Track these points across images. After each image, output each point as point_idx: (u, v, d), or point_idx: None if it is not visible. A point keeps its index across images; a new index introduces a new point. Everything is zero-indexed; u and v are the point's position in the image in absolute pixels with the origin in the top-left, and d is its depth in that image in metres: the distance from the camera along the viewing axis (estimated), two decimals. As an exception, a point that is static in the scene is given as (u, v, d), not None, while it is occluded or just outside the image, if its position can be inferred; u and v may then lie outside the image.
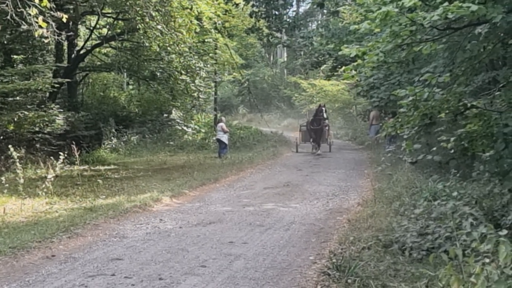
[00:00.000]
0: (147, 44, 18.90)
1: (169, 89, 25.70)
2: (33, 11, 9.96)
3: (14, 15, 10.33)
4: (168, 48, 18.11)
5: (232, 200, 13.68)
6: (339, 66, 30.42)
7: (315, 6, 31.06)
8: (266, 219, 11.19)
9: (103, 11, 22.43)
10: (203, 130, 33.71)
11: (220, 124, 25.20)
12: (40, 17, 9.97)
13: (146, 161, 24.03)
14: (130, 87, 35.94)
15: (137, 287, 6.73)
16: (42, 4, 9.83)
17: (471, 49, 8.17)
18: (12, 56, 22.19)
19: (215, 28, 21.88)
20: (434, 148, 11.10)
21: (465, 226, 6.49)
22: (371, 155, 24.32)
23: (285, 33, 37.40)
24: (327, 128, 27.83)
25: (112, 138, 27.65)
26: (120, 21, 25.51)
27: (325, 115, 26.08)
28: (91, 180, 16.50)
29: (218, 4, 19.99)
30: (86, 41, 26.96)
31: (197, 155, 26.67)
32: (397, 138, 19.89)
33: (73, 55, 24.80)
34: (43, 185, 12.85)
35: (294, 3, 51.44)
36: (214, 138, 27.91)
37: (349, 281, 6.64)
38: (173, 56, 18.94)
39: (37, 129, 20.33)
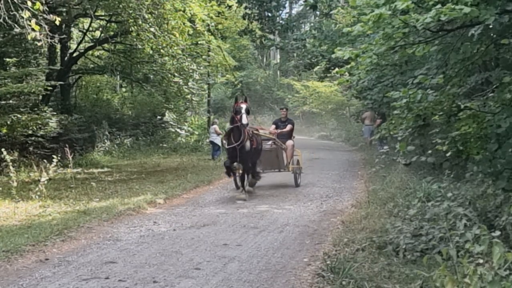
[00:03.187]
0: (140, 47, 18.90)
1: (162, 92, 25.69)
2: (26, 14, 9.95)
3: (6, 18, 10.32)
4: (161, 50, 18.10)
5: (226, 202, 13.67)
6: (332, 68, 30.50)
7: (308, 8, 31.17)
8: (260, 221, 11.18)
9: (96, 13, 22.38)
10: (196, 132, 33.71)
11: (213, 126, 25.27)
12: (33, 20, 9.95)
13: (140, 164, 24.00)
14: (123, 89, 35.88)
15: (131, 290, 6.72)
16: (35, 7, 9.81)
17: (464, 51, 8.20)
18: (4, 59, 22.13)
19: (208, 30, 21.84)
20: (430, 151, 11.14)
21: (458, 227, 6.51)
22: (364, 156, 24.33)
23: (278, 35, 37.48)
24: (284, 145, 16.09)
25: (106, 140, 27.62)
26: (113, 24, 25.51)
27: (244, 119, 13.42)
28: (84, 183, 16.47)
29: (211, 6, 20.00)
30: (79, 44, 26.92)
31: (191, 157, 26.69)
32: (387, 139, 19.93)
33: (66, 58, 24.76)
34: (37, 188, 12.81)
35: (287, 5, 51.50)
36: (207, 140, 27.93)
37: (343, 282, 6.64)
38: (166, 58, 18.93)
39: (30, 132, 20.29)
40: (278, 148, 15.97)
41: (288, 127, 16.48)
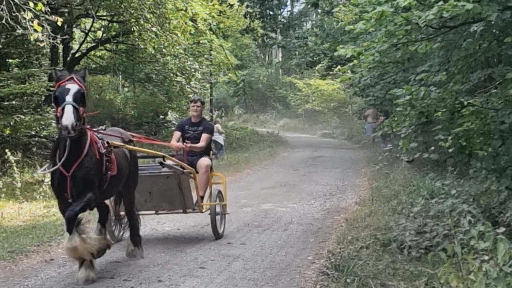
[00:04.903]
0: (142, 46, 18.96)
1: (165, 91, 25.69)
2: (28, 15, 9.99)
3: (9, 19, 10.34)
4: (163, 50, 18.16)
5: (230, 201, 13.60)
6: (334, 66, 30.50)
7: (309, 6, 31.15)
8: (264, 219, 11.20)
9: (98, 13, 22.40)
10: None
11: (216, 125, 25.32)
12: (35, 21, 10.00)
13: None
14: (126, 89, 35.89)
15: (136, 289, 6.73)
16: (37, 8, 9.85)
17: (466, 47, 8.19)
18: (7, 60, 22.15)
19: (210, 29, 21.90)
20: (432, 148, 11.13)
21: (463, 224, 6.51)
22: (367, 154, 24.33)
23: (280, 33, 37.48)
24: (188, 169, 9.35)
25: (109, 140, 27.59)
26: (115, 24, 25.50)
27: (69, 117, 6.26)
28: (88, 183, 16.45)
29: (213, 5, 20.03)
30: (81, 44, 26.93)
31: (194, 156, 26.65)
32: (390, 137, 19.92)
33: (68, 58, 24.75)
34: (41, 189, 12.83)
35: (289, 3, 51.52)
36: (210, 139, 27.95)
37: (348, 280, 6.65)
38: (168, 58, 18.99)
39: (33, 132, 20.30)
40: (181, 174, 9.04)
41: (204, 138, 9.77)
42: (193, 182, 9.46)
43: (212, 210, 9.35)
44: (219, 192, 9.86)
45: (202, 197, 9.59)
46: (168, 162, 9.02)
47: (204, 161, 9.63)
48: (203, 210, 9.58)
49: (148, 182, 8.97)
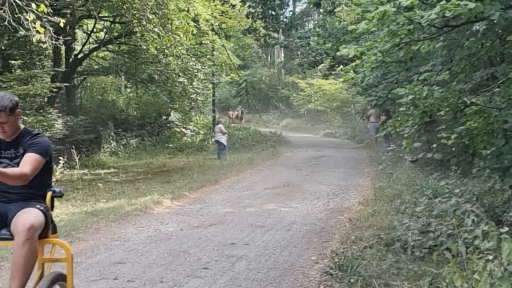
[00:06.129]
0: (144, 47, 18.98)
1: (167, 92, 25.75)
2: (30, 16, 10.01)
3: (11, 20, 10.36)
4: (166, 50, 18.17)
5: (233, 201, 13.66)
6: (337, 65, 30.49)
7: (311, 6, 31.13)
8: (267, 219, 11.18)
9: (100, 14, 22.44)
10: (201, 132, 33.75)
11: (218, 125, 25.37)
12: (38, 22, 10.01)
13: (146, 164, 24.03)
14: (128, 90, 35.95)
15: (140, 290, 6.72)
16: (39, 9, 9.87)
17: (469, 47, 8.19)
18: (10, 61, 22.20)
19: (212, 30, 21.91)
20: (434, 145, 11.11)
21: (466, 223, 6.50)
22: (370, 153, 24.31)
23: (282, 33, 37.48)
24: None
25: (111, 141, 27.65)
26: (117, 25, 25.56)
27: None
28: (91, 184, 16.49)
29: (215, 5, 20.03)
30: (83, 45, 27.02)
31: (197, 156, 26.71)
32: (392, 136, 19.91)
33: (70, 60, 24.84)
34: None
35: (291, 3, 51.45)
36: (213, 140, 27.99)
37: (351, 280, 6.64)
38: (171, 58, 19.00)
39: (36, 134, 20.35)
40: None
41: (28, 160, 4.51)
42: None
43: None
44: (58, 277, 4.89)
45: None
46: None
47: (26, 216, 4.49)
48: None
49: None
